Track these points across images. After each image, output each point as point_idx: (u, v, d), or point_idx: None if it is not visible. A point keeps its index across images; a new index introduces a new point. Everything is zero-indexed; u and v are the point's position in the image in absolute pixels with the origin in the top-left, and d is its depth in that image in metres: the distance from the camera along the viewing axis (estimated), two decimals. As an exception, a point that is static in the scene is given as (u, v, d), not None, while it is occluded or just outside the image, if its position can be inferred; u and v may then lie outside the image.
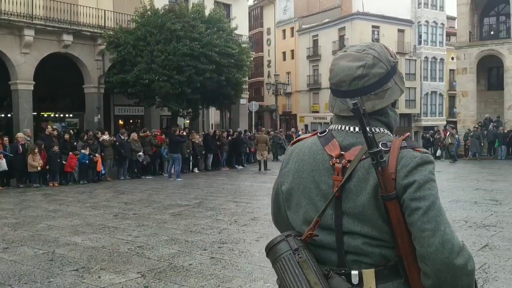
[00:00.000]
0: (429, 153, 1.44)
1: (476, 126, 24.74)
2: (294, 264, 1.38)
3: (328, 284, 1.37)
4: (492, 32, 30.24)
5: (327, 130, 1.57)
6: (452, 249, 1.29)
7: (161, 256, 6.13)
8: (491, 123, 25.54)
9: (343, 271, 1.42)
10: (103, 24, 21.98)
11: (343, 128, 1.52)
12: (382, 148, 1.36)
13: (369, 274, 1.40)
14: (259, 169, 19.93)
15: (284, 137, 30.41)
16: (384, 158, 1.33)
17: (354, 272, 1.41)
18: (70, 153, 15.46)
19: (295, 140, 1.65)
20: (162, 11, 20.48)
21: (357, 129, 1.47)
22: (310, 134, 1.62)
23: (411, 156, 1.38)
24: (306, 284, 1.35)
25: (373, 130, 1.43)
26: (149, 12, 20.53)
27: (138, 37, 19.68)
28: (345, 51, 1.54)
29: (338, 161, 1.45)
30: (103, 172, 16.52)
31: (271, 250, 1.45)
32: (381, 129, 1.50)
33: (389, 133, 1.51)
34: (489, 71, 30.03)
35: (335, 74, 1.52)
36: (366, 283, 1.39)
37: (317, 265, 1.40)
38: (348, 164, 1.43)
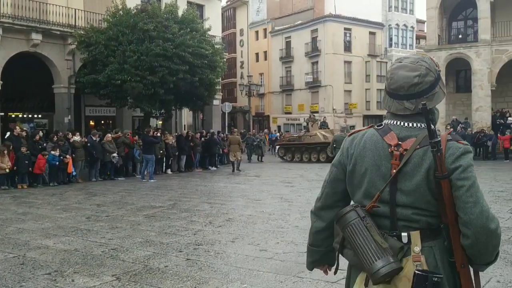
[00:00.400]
0: (469, 145, 1.83)
1: (448, 128, 25.28)
2: (363, 228, 1.77)
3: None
4: (460, 36, 30.95)
5: (383, 124, 1.95)
6: (488, 217, 1.70)
7: (136, 258, 6.05)
8: (459, 124, 26.13)
9: (394, 233, 1.81)
10: (73, 23, 21.64)
11: (399, 123, 1.90)
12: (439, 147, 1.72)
13: (416, 235, 1.78)
14: (233, 170, 19.87)
15: (263, 138, 30.59)
16: (441, 147, 1.71)
17: (404, 234, 1.80)
18: (39, 154, 15.12)
19: (352, 131, 2.06)
20: (135, 11, 20.27)
21: (411, 124, 1.88)
22: (365, 127, 2.01)
23: (457, 147, 1.79)
24: (375, 244, 1.74)
25: (422, 125, 1.85)
26: (121, 12, 20.29)
27: (110, 37, 19.42)
28: (400, 61, 1.92)
29: (396, 149, 1.83)
30: (74, 174, 16.21)
31: (341, 218, 1.84)
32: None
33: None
34: (457, 74, 30.72)
35: (394, 81, 1.89)
36: (414, 242, 1.78)
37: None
38: (405, 152, 1.81)
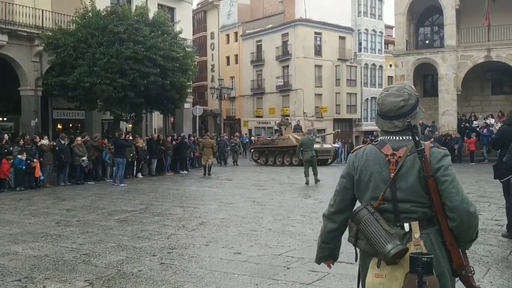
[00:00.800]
0: (447, 150, 2.34)
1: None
2: (374, 221, 2.21)
3: None
4: (427, 42, 31.71)
5: (378, 140, 2.44)
6: (468, 203, 2.17)
7: (109, 263, 5.96)
8: (426, 128, 26.73)
9: (398, 224, 2.26)
10: (40, 25, 21.18)
11: (391, 138, 2.39)
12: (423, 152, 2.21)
13: (415, 225, 2.24)
14: (204, 174, 19.78)
15: (238, 142, 30.57)
16: (425, 153, 2.21)
17: (406, 224, 2.25)
18: (4, 159, 14.73)
19: (355, 148, 2.53)
20: (104, 12, 19.99)
21: (401, 137, 2.36)
22: (364, 145, 2.49)
23: (438, 152, 2.28)
24: (384, 232, 2.18)
25: (409, 138, 2.32)
26: (90, 14, 19.98)
27: (79, 39, 19.11)
28: (387, 90, 2.42)
29: (392, 157, 2.31)
30: (41, 178, 15.86)
31: (355, 215, 2.28)
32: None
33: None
34: (424, 79, 31.44)
35: (385, 106, 2.38)
36: (414, 230, 2.23)
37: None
38: (399, 159, 2.29)
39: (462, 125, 26.94)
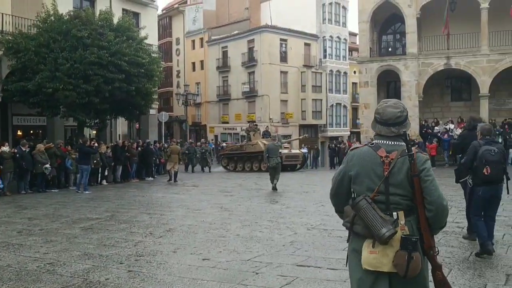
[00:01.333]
0: (427, 155, 3.01)
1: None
2: (371, 209, 2.78)
3: None
4: (389, 49, 32.44)
5: (374, 143, 2.98)
6: (443, 198, 2.81)
7: (75, 272, 5.84)
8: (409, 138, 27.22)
9: (388, 213, 2.82)
10: (0, 28, 20.58)
11: (386, 142, 2.95)
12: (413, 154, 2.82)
13: (401, 214, 2.83)
14: (169, 180, 19.60)
15: (209, 148, 30.15)
16: (414, 157, 2.82)
17: (395, 213, 2.83)
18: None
19: (352, 147, 3.10)
20: (67, 17, 19.60)
21: (393, 142, 2.93)
22: (361, 145, 3.07)
23: (422, 157, 2.89)
24: (380, 218, 2.75)
25: (399, 143, 2.93)
26: (52, 18, 19.54)
27: (41, 43, 18.67)
28: (386, 103, 3.01)
29: (385, 159, 2.88)
30: (1, 186, 15.38)
31: (356, 204, 2.82)
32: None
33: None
34: (388, 85, 32.13)
35: (385, 115, 2.95)
36: (400, 218, 2.82)
37: None
38: (392, 160, 2.86)
39: (424, 131, 27.65)
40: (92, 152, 16.73)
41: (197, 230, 8.57)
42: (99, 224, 9.45)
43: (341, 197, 3.09)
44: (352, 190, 3.01)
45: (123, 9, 26.06)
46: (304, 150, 30.75)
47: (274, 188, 15.10)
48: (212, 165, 28.31)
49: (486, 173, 6.11)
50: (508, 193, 6.30)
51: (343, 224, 3.01)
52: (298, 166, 27.11)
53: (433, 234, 2.90)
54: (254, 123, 31.03)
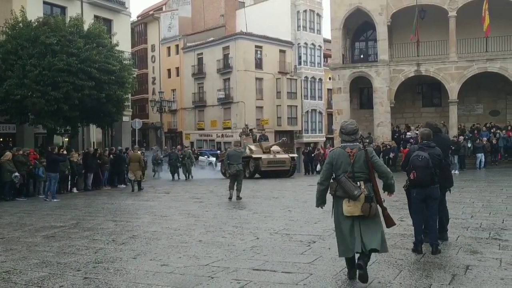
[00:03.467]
0: (372, 149, 6.11)
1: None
2: (347, 181, 5.09)
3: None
4: (362, 56, 32.90)
5: (342, 145, 5.31)
6: (387, 168, 5.40)
7: (30, 280, 5.81)
8: (363, 139, 27.60)
9: (355, 183, 5.11)
10: (-33, 35, 20.32)
11: (349, 144, 5.28)
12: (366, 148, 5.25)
13: (362, 182, 5.14)
14: (132, 190, 18.25)
15: (188, 153, 28.11)
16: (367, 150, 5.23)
17: (359, 182, 5.12)
18: None
19: (332, 149, 5.89)
20: (36, 23, 19.44)
21: (353, 144, 5.27)
22: (335, 148, 5.91)
23: (371, 150, 5.32)
24: (352, 186, 5.06)
25: (357, 143, 5.32)
26: (20, 24, 19.39)
27: (8, 50, 18.52)
28: (345, 122, 5.43)
29: (351, 153, 5.19)
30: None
31: (339, 179, 5.15)
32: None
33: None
34: (361, 91, 32.56)
35: (347, 130, 5.30)
36: (361, 185, 5.11)
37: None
38: (354, 153, 5.18)
39: (396, 136, 28.09)
40: (60, 160, 16.54)
41: (161, 236, 8.58)
42: (62, 232, 9.38)
43: (327, 178, 5.34)
44: (333, 173, 5.28)
45: (94, 16, 25.96)
46: (293, 155, 28.09)
47: (238, 197, 13.90)
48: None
49: (412, 178, 6.48)
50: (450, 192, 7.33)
51: (329, 193, 5.35)
52: (289, 172, 25.47)
53: (389, 191, 5.45)
54: (247, 127, 29.09)
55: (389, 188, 5.36)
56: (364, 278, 4.98)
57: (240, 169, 14.17)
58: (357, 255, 5.11)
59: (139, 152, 19.91)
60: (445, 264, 5.96)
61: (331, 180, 5.28)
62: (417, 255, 6.43)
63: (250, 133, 27.42)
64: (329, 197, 5.40)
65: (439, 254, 6.39)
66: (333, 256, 6.50)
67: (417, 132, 27.52)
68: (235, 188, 14.02)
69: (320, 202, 5.41)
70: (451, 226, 8.29)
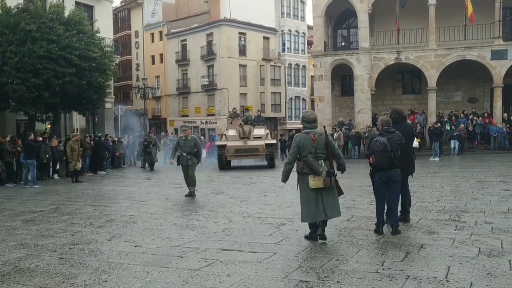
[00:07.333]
0: (330, 134, 7.91)
1: (334, 128, 27.30)
2: (312, 160, 6.37)
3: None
4: (343, 43, 33.19)
5: (305, 131, 6.55)
6: (339, 153, 6.78)
7: (7, 260, 6.07)
8: (343, 126, 28.10)
9: (318, 161, 6.41)
10: None
11: (311, 130, 6.55)
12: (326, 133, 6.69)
13: (322, 161, 6.46)
14: (72, 181, 17.04)
15: (154, 140, 27.38)
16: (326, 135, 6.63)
17: (320, 161, 6.43)
18: None
19: (297, 134, 6.79)
20: (15, 10, 19.37)
21: (315, 130, 6.56)
22: (300, 133, 6.65)
23: (329, 135, 6.68)
24: (317, 164, 6.38)
25: (318, 130, 6.66)
26: (0, 11, 19.29)
27: (-13, 37, 18.44)
28: (307, 112, 6.80)
29: (313, 137, 6.47)
30: None
31: (305, 159, 6.39)
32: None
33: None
34: (342, 79, 32.89)
35: (309, 119, 6.60)
36: (322, 163, 6.44)
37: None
38: (316, 138, 6.47)
39: (376, 124, 28.52)
40: (35, 146, 16.56)
41: (137, 220, 8.86)
42: (42, 216, 9.62)
43: (295, 159, 6.47)
44: (299, 154, 6.42)
45: (76, 2, 25.83)
46: (271, 141, 22.24)
47: (192, 194, 11.91)
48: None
49: (371, 162, 6.85)
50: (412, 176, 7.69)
51: (296, 170, 6.57)
52: (267, 162, 21.72)
53: (342, 171, 6.87)
54: (234, 109, 25.45)
55: (341, 167, 6.81)
56: (323, 237, 6.49)
57: (189, 158, 12.02)
58: None
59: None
60: (401, 243, 6.34)
61: (297, 161, 6.49)
62: (377, 235, 6.81)
63: (241, 114, 25.19)
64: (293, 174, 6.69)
65: (399, 235, 6.78)
66: (300, 237, 6.88)
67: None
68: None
69: (287, 178, 6.62)
70: (416, 209, 8.74)
